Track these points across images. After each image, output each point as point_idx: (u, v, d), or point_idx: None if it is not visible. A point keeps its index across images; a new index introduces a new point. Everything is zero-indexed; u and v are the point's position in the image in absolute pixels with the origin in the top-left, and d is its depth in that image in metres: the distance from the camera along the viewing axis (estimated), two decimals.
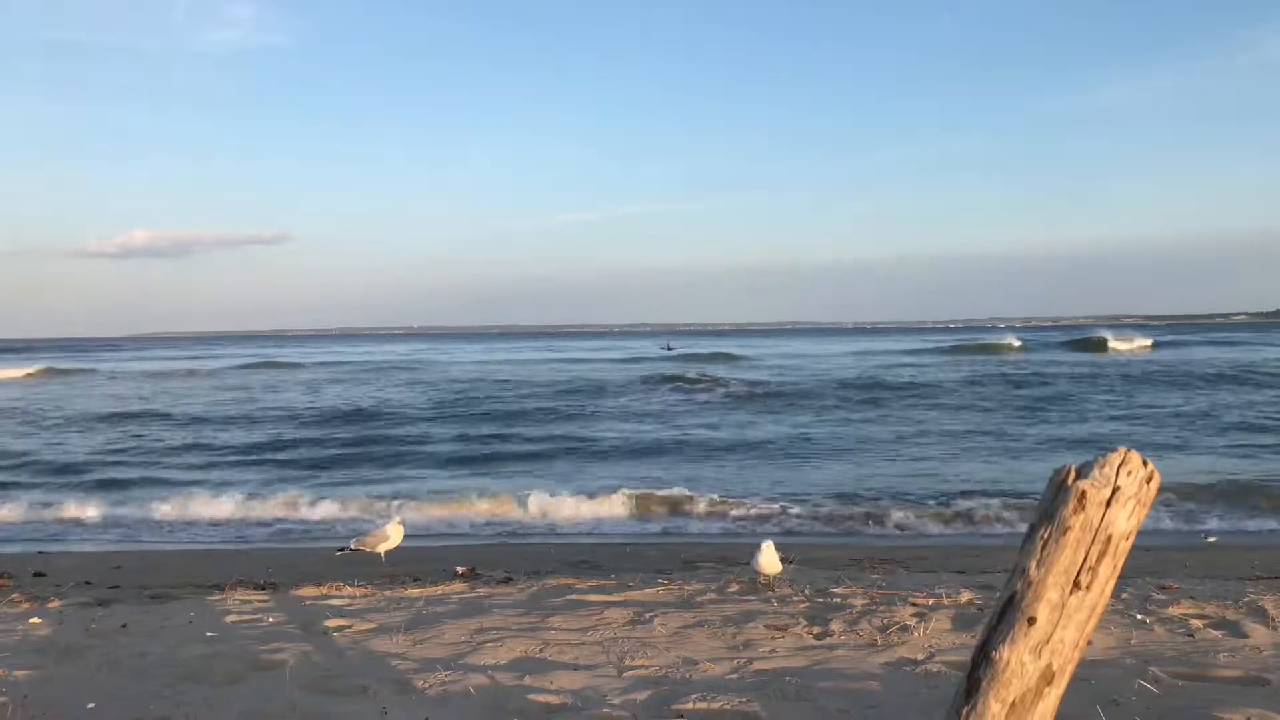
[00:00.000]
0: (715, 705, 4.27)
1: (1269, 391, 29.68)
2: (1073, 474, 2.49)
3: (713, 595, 6.65)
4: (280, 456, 19.93)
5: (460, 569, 8.55)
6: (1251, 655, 4.88)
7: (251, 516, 14.12)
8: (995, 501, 13.37)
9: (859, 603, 6.26)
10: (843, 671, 4.77)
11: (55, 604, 6.93)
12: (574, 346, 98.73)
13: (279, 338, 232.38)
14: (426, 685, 4.61)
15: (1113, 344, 62.69)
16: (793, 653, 5.14)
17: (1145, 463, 2.50)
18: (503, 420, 26.18)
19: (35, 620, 6.26)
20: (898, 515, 12.88)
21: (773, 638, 5.47)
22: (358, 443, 21.87)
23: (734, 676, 4.72)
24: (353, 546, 8.98)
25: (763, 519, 13.04)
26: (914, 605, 6.14)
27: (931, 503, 13.57)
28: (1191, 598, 6.28)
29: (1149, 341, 65.10)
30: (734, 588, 6.90)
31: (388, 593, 7.15)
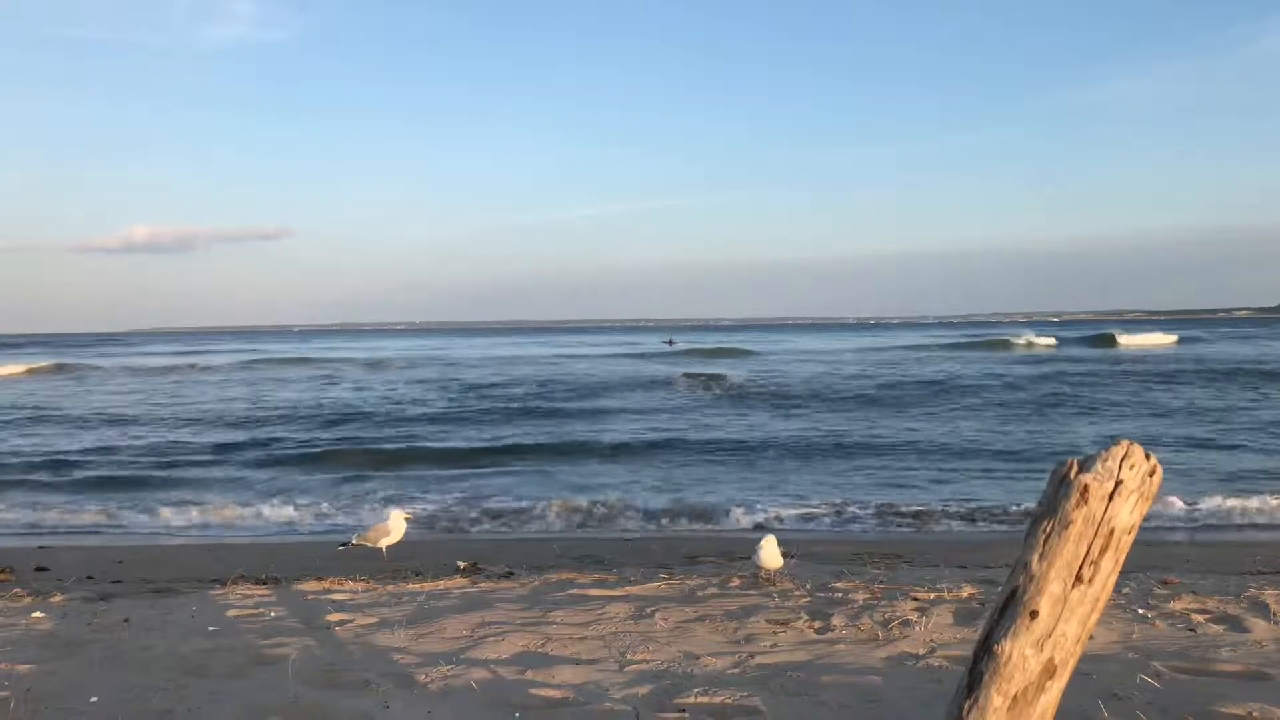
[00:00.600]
0: (717, 700, 4.27)
1: None
2: (1075, 467, 2.49)
3: (714, 590, 6.66)
4: (283, 455, 19.93)
5: (462, 563, 8.55)
6: (1253, 650, 4.88)
7: (258, 513, 14.14)
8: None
9: (860, 597, 6.26)
10: (844, 666, 4.77)
11: (57, 598, 6.93)
12: (578, 342, 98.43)
13: (283, 333, 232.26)
14: (428, 680, 4.62)
15: (1131, 340, 62.70)
16: (794, 647, 5.14)
17: (1148, 456, 2.50)
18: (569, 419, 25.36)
19: (37, 615, 6.27)
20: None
21: (774, 632, 5.47)
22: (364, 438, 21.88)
23: (735, 671, 4.72)
24: (354, 541, 8.99)
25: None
26: (915, 600, 6.14)
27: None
28: (1193, 592, 6.28)
29: (1174, 337, 65.05)
30: (735, 582, 6.91)
31: (389, 587, 7.16)
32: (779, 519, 12.78)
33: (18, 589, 7.45)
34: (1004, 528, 12.17)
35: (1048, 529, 2.49)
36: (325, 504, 14.40)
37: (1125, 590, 6.31)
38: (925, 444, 19.58)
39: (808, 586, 6.69)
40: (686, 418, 25.25)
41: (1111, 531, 2.46)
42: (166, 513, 14.11)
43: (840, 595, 6.35)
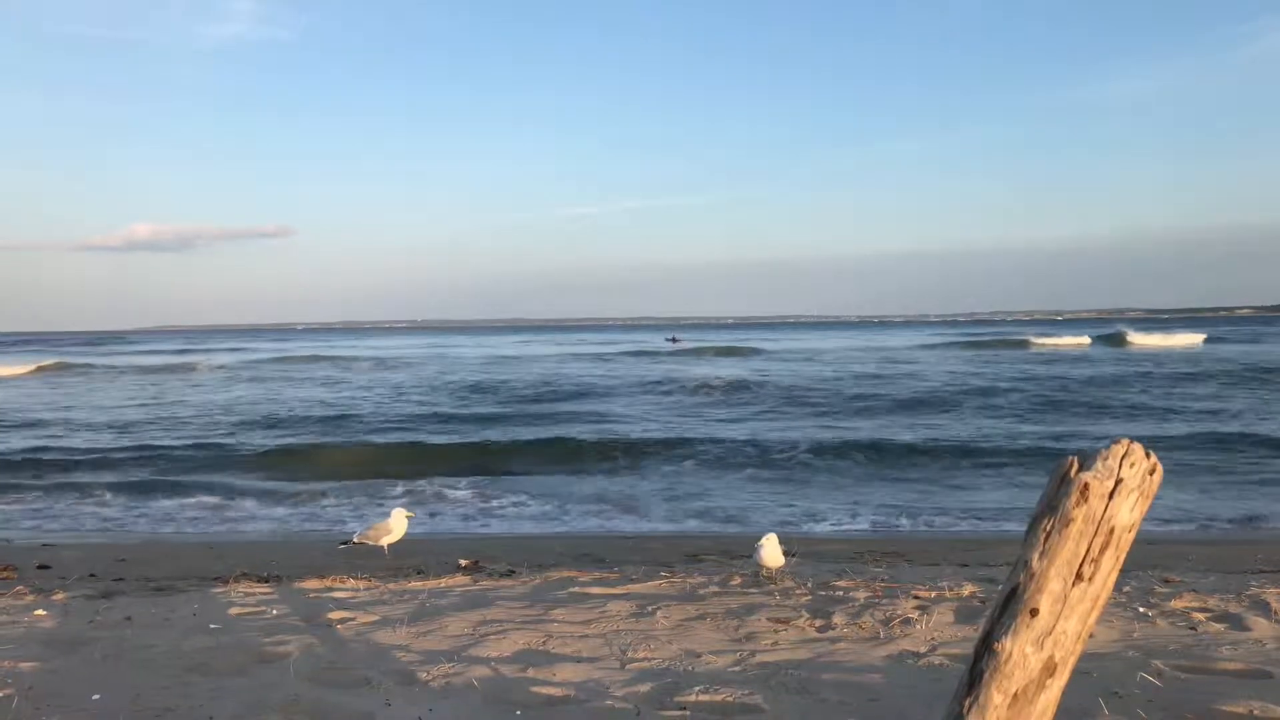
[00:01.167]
0: (718, 698, 4.28)
1: None
2: (1075, 465, 2.49)
3: (715, 588, 6.66)
4: (289, 450, 19.96)
5: (463, 561, 8.56)
6: (1254, 648, 4.88)
7: (260, 512, 14.18)
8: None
9: (861, 595, 6.26)
10: (845, 664, 4.78)
11: (60, 596, 6.95)
12: (581, 340, 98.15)
13: (287, 332, 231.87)
14: (430, 677, 4.62)
15: (1161, 340, 62.56)
16: (795, 645, 5.14)
17: (1148, 454, 2.50)
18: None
19: (40, 612, 6.28)
20: None
21: (775, 630, 5.48)
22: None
23: (736, 669, 4.73)
24: (356, 539, 8.99)
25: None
26: (916, 598, 6.15)
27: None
28: (1194, 591, 6.28)
29: (1200, 337, 64.75)
30: (736, 581, 6.91)
31: (391, 585, 7.16)
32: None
33: (20, 586, 7.46)
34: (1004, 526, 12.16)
35: (1048, 527, 2.49)
36: (328, 502, 14.44)
37: (1126, 588, 6.32)
38: (997, 449, 18.58)
39: (809, 585, 6.69)
40: (723, 423, 24.08)
41: (1112, 530, 2.46)
42: (169, 509, 14.16)
43: (841, 593, 6.36)
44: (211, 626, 5.79)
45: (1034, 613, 2.46)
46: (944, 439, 20.09)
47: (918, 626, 5.44)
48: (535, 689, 4.44)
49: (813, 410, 27.01)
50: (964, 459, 17.65)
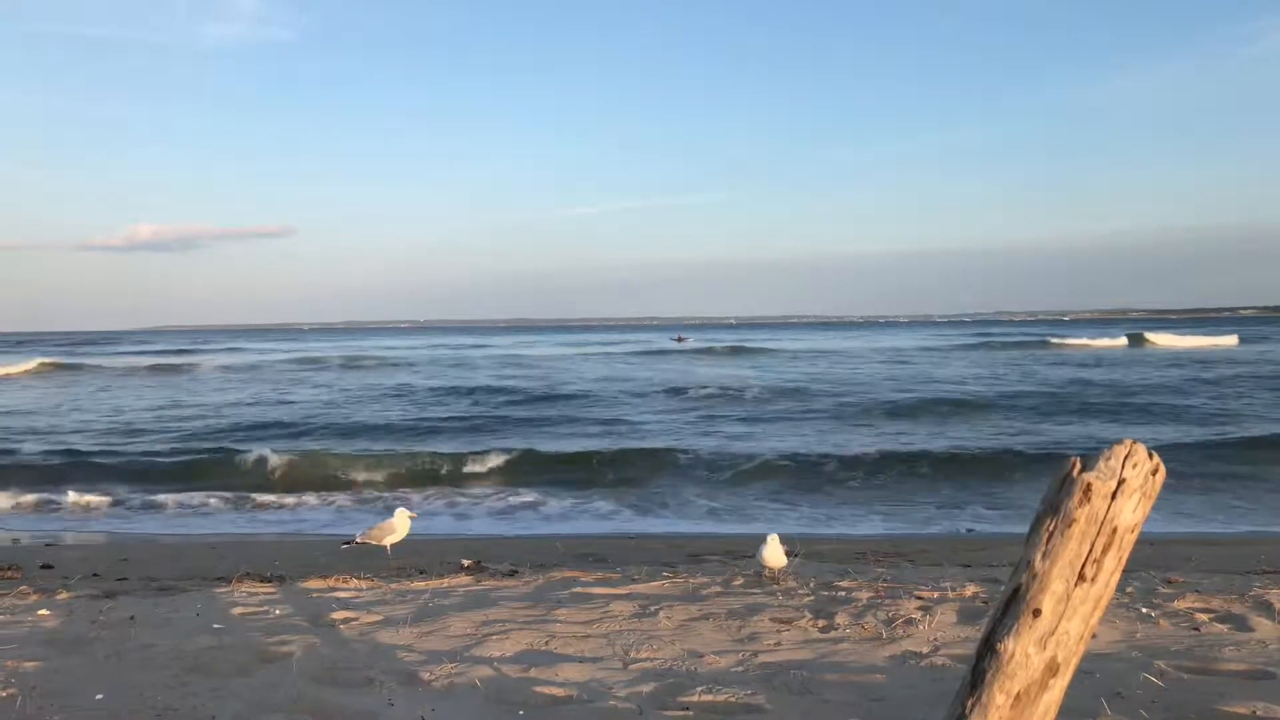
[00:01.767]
0: (720, 698, 4.28)
1: None
2: (1078, 466, 2.49)
3: (718, 588, 6.66)
4: (293, 454, 19.91)
5: (466, 562, 8.56)
6: (1257, 649, 4.87)
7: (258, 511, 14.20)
8: None
9: (864, 596, 6.26)
10: (848, 664, 4.78)
11: (63, 596, 6.96)
12: (588, 340, 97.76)
13: (293, 331, 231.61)
14: (432, 677, 4.63)
15: (1194, 341, 62.18)
16: (798, 646, 5.14)
17: (1151, 455, 2.50)
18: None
19: (43, 612, 6.29)
20: None
21: (778, 631, 5.48)
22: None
23: (739, 669, 4.73)
24: (359, 539, 8.99)
25: None
26: (919, 598, 6.14)
27: None
28: (1197, 591, 6.26)
29: (1232, 339, 64.35)
30: (739, 581, 6.91)
31: (394, 585, 7.17)
32: None
33: (24, 586, 7.48)
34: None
35: (1051, 528, 2.49)
36: (338, 503, 14.48)
37: (1129, 589, 6.30)
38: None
39: (811, 585, 6.69)
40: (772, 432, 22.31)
41: (1114, 530, 2.46)
42: (172, 508, 14.19)
43: (844, 594, 6.35)
44: (215, 626, 5.80)
45: (1037, 613, 2.46)
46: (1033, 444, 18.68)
47: (920, 627, 5.44)
48: (538, 689, 4.45)
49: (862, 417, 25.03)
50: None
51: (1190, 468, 15.68)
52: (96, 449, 20.31)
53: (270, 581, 7.56)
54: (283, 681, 4.60)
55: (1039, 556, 2.49)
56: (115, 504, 14.60)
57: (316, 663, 4.92)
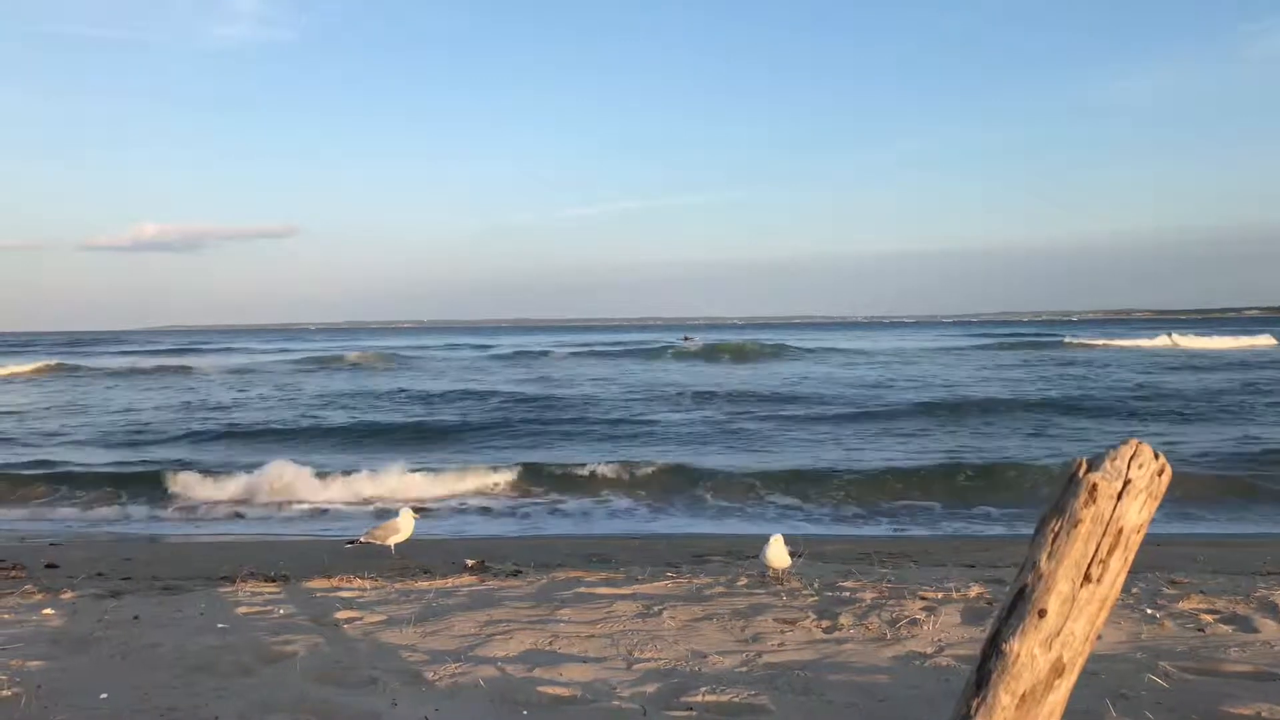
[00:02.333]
0: (724, 698, 4.27)
1: None
2: (1084, 466, 2.49)
3: (722, 589, 6.66)
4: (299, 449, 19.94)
5: (470, 561, 8.57)
6: (1262, 650, 4.86)
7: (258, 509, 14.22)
8: None
9: (868, 596, 6.25)
10: (852, 665, 4.77)
11: (68, 595, 6.97)
12: (594, 340, 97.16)
13: (302, 331, 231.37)
14: (436, 677, 4.63)
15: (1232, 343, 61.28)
16: (802, 646, 5.14)
17: (1157, 455, 2.49)
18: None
19: (48, 611, 6.31)
20: None
21: (782, 631, 5.47)
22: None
23: (743, 670, 4.73)
24: (363, 539, 9.01)
25: None
26: (923, 599, 6.13)
27: None
28: (1202, 592, 6.25)
29: (1270, 339, 63.49)
30: (743, 581, 6.90)
31: (398, 585, 7.18)
32: None
33: (29, 586, 7.49)
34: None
35: (1056, 528, 2.48)
36: (338, 505, 14.47)
37: (1134, 590, 6.29)
38: None
39: (815, 585, 6.68)
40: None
41: (1120, 530, 2.46)
42: (175, 509, 14.22)
43: (848, 594, 6.35)
44: (219, 626, 5.81)
45: (1042, 614, 2.46)
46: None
47: (925, 627, 5.43)
48: (542, 689, 4.45)
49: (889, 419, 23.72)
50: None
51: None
52: (96, 450, 20.35)
53: (274, 581, 7.57)
54: (286, 681, 4.60)
55: (1044, 557, 2.48)
56: (119, 504, 14.63)
57: (320, 662, 4.92)
